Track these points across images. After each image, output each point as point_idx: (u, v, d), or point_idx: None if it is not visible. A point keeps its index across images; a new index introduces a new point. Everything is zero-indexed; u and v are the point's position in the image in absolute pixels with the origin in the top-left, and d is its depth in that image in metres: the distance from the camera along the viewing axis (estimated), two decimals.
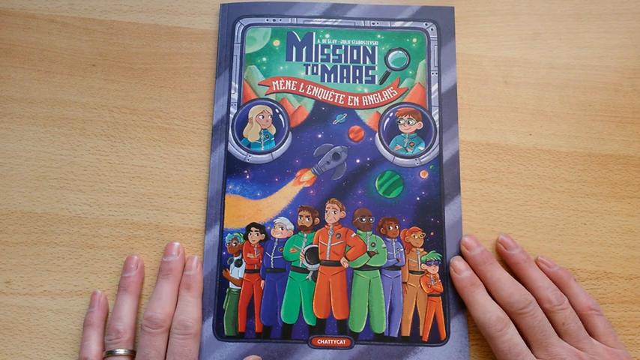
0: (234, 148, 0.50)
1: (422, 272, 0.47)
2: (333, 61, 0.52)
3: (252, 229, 0.48)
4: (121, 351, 0.44)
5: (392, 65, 0.51)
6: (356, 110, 0.51)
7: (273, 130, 0.50)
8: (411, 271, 0.47)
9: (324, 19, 0.52)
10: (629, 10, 0.54)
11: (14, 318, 0.47)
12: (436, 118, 0.50)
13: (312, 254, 0.48)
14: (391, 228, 0.48)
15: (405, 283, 0.47)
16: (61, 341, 0.46)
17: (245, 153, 0.50)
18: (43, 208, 0.49)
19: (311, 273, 0.47)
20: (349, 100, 0.51)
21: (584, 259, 0.49)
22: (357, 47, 0.52)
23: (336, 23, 0.52)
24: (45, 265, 0.48)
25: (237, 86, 0.51)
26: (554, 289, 0.45)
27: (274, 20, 0.52)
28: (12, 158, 0.50)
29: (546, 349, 0.42)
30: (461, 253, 0.47)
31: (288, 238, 0.48)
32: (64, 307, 0.47)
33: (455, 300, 0.47)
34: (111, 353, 0.44)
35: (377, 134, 0.50)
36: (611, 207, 0.50)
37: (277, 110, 0.51)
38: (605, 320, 0.45)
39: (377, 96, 0.51)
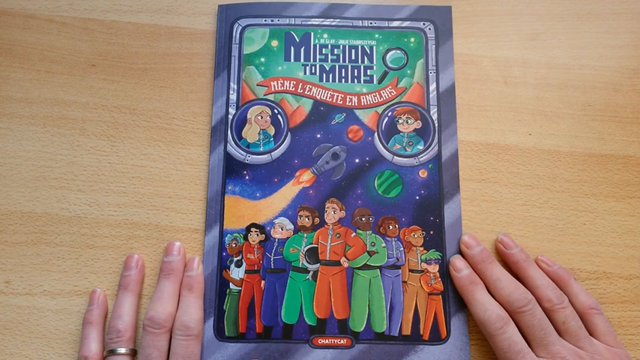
0: (233, 149, 0.50)
1: (422, 271, 0.47)
2: (332, 61, 0.52)
3: (252, 229, 0.48)
4: (122, 350, 0.44)
5: (390, 65, 0.52)
6: (355, 110, 0.51)
7: (272, 131, 0.50)
8: (411, 270, 0.47)
9: (322, 19, 0.52)
10: (629, 10, 0.54)
11: (14, 318, 0.47)
12: (435, 117, 0.51)
13: (312, 254, 0.48)
14: (391, 227, 0.48)
15: (405, 282, 0.47)
16: (60, 341, 0.46)
17: (244, 154, 0.50)
18: (43, 208, 0.49)
19: (311, 273, 0.47)
20: (348, 99, 0.51)
21: (583, 259, 0.49)
22: (355, 47, 0.52)
23: (334, 23, 0.52)
24: (45, 265, 0.48)
25: (235, 87, 0.51)
26: (554, 288, 0.45)
27: (272, 21, 0.52)
28: (12, 158, 0.50)
29: (546, 348, 0.42)
30: (460, 252, 0.47)
31: (288, 238, 0.48)
32: (63, 307, 0.47)
33: (455, 298, 0.47)
34: (112, 352, 0.44)
35: (376, 134, 0.50)
36: (610, 207, 0.50)
37: (276, 110, 0.51)
38: (605, 320, 0.45)
39: (375, 95, 0.51)
